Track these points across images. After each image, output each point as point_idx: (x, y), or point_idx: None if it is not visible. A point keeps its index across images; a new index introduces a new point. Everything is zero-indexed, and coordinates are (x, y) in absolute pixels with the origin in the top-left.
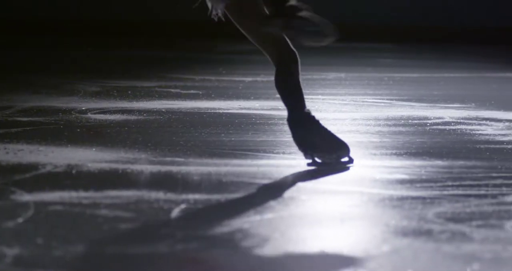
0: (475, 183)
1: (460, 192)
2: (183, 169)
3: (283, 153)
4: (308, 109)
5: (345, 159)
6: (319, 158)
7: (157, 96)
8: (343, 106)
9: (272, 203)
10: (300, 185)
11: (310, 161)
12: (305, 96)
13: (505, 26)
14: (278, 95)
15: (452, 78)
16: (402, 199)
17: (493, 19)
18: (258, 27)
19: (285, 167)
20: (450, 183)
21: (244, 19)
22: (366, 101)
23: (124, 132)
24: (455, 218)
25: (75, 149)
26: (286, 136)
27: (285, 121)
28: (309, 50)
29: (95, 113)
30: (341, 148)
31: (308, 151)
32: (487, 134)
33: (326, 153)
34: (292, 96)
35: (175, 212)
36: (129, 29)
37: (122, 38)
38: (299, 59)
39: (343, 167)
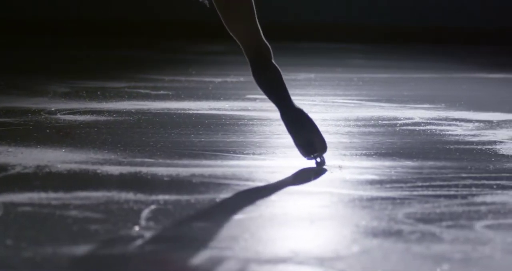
0: (445, 183)
1: (430, 192)
2: (153, 169)
3: (253, 153)
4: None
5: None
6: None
7: (126, 97)
8: (312, 107)
9: (241, 203)
10: (270, 185)
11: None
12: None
13: (473, 27)
14: (248, 96)
15: (422, 79)
16: (372, 199)
17: (461, 19)
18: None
19: (255, 167)
20: (420, 184)
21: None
22: (336, 102)
23: (94, 133)
24: (425, 219)
25: (44, 150)
26: (256, 136)
27: (255, 122)
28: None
29: (64, 114)
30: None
31: (312, 151)
32: (457, 135)
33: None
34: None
35: (145, 213)
36: (97, 30)
37: (91, 38)
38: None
39: (313, 168)
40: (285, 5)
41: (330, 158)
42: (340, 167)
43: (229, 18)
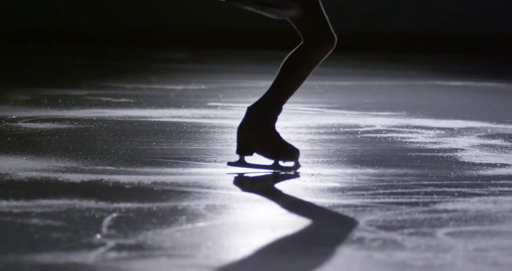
0: (406, 190)
1: (391, 200)
2: (114, 177)
3: (215, 161)
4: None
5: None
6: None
7: (87, 104)
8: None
9: (203, 211)
10: (232, 193)
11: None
12: (236, 105)
13: (434, 33)
14: (209, 104)
15: (383, 86)
16: (333, 207)
17: (421, 26)
18: None
19: (217, 175)
20: (381, 191)
21: None
22: (297, 110)
23: (55, 141)
24: (386, 226)
25: (5, 158)
26: (218, 144)
27: (216, 129)
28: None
29: (25, 122)
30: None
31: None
32: (418, 142)
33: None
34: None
35: (107, 221)
36: (59, 37)
37: (52, 46)
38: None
39: (275, 175)
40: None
41: (291, 165)
42: (294, 172)
43: None
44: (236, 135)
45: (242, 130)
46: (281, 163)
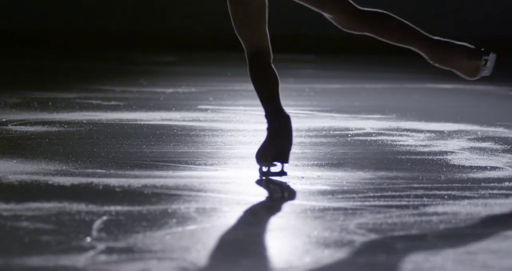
0: (397, 193)
1: (381, 203)
2: (104, 180)
3: (205, 164)
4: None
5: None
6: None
7: (78, 107)
8: (264, 118)
9: (194, 214)
10: (222, 196)
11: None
12: (226, 108)
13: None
14: (199, 107)
15: (373, 89)
16: (323, 210)
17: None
18: None
19: (207, 178)
20: (371, 194)
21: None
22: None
23: (45, 144)
24: (376, 229)
25: None
26: (208, 147)
27: (206, 132)
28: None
29: (15, 125)
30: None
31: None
32: (408, 145)
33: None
34: None
35: (97, 224)
36: (48, 41)
37: (42, 49)
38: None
39: (265, 178)
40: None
41: (281, 168)
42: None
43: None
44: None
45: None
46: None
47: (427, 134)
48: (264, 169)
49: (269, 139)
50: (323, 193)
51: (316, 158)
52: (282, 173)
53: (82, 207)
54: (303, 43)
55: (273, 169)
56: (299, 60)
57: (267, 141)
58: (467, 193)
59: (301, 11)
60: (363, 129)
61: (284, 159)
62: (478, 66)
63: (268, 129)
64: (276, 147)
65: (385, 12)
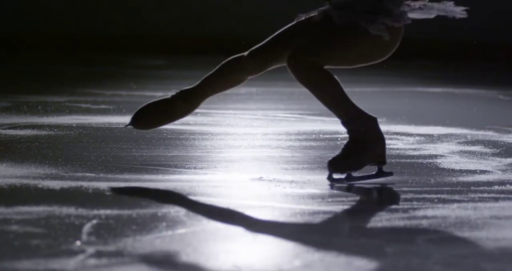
0: (387, 197)
1: (371, 206)
2: (94, 184)
3: (195, 167)
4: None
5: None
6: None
7: (67, 111)
8: (254, 121)
9: (183, 218)
10: (212, 199)
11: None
12: (216, 111)
13: (413, 40)
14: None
15: (363, 93)
16: (313, 213)
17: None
18: None
19: (197, 181)
20: (361, 198)
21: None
22: (277, 116)
23: (35, 148)
24: (367, 232)
25: None
26: (198, 150)
27: (196, 136)
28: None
29: (5, 129)
30: None
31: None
32: (398, 149)
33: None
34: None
35: (87, 228)
36: (38, 42)
37: (31, 53)
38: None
39: (254, 182)
40: (222, 18)
41: (271, 172)
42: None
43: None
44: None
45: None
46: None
47: (417, 138)
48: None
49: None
50: (313, 196)
51: (306, 162)
52: (383, 173)
53: (71, 210)
54: None
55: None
56: None
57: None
58: (456, 197)
59: (292, 16)
60: None
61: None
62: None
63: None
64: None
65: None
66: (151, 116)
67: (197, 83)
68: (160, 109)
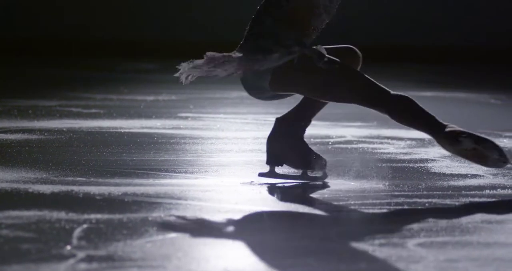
0: (377, 201)
1: (362, 210)
2: (85, 188)
3: (185, 172)
4: None
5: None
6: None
7: (58, 115)
8: (245, 125)
9: (174, 222)
10: (202, 204)
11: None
12: (206, 116)
13: (403, 44)
14: (180, 115)
15: None
16: (303, 218)
17: (391, 37)
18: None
19: (187, 186)
20: (352, 202)
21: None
22: (268, 120)
23: (25, 152)
24: (357, 237)
25: None
26: (188, 155)
27: (187, 140)
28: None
29: None
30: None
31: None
32: (389, 153)
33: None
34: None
35: (77, 232)
36: (28, 48)
37: (22, 57)
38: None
39: (245, 186)
40: (211, 23)
41: (261, 176)
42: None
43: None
44: (266, 145)
45: (272, 140)
46: (309, 173)
47: (408, 142)
48: None
49: None
50: (304, 200)
51: None
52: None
53: (62, 215)
54: None
55: (316, 174)
56: None
57: None
58: (447, 201)
59: None
60: (343, 137)
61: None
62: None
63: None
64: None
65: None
66: None
67: None
68: None
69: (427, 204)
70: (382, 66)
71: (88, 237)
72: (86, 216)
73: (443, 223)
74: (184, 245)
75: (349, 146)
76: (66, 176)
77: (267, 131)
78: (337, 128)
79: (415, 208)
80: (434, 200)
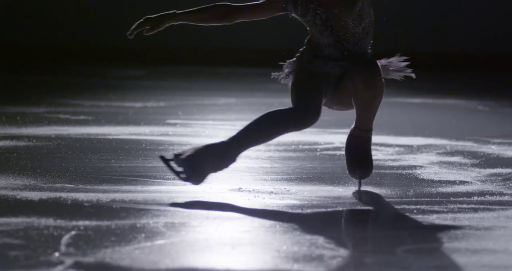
0: (366, 208)
1: (350, 217)
2: (73, 195)
3: (174, 178)
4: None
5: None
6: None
7: (46, 122)
8: (233, 132)
9: (162, 229)
10: (190, 210)
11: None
12: (195, 122)
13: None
14: (168, 121)
15: None
16: (292, 224)
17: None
18: None
19: (176, 192)
20: (340, 208)
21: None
22: None
23: (13, 159)
24: (346, 243)
25: None
26: None
27: (175, 147)
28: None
29: None
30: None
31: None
32: (377, 160)
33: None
34: None
35: (65, 239)
36: (16, 54)
37: (10, 63)
38: None
39: (234, 193)
40: (204, 30)
41: (250, 182)
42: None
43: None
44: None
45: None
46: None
47: (396, 148)
48: None
49: None
50: (292, 207)
51: (285, 172)
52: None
53: (50, 221)
54: (271, 58)
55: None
56: (268, 74)
57: None
58: (436, 207)
59: (278, 27)
60: (332, 143)
61: None
62: None
63: None
64: None
65: None
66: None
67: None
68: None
69: (415, 211)
70: None
71: (77, 243)
72: (74, 223)
73: (431, 229)
74: (172, 252)
75: (337, 153)
76: (54, 182)
77: None
78: (325, 135)
79: (404, 214)
80: (422, 207)
